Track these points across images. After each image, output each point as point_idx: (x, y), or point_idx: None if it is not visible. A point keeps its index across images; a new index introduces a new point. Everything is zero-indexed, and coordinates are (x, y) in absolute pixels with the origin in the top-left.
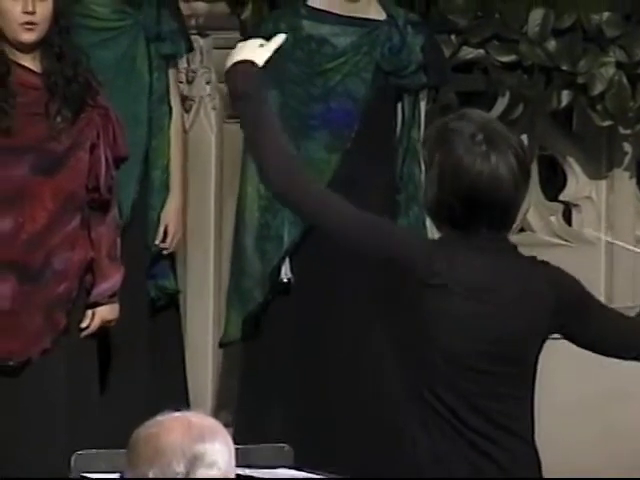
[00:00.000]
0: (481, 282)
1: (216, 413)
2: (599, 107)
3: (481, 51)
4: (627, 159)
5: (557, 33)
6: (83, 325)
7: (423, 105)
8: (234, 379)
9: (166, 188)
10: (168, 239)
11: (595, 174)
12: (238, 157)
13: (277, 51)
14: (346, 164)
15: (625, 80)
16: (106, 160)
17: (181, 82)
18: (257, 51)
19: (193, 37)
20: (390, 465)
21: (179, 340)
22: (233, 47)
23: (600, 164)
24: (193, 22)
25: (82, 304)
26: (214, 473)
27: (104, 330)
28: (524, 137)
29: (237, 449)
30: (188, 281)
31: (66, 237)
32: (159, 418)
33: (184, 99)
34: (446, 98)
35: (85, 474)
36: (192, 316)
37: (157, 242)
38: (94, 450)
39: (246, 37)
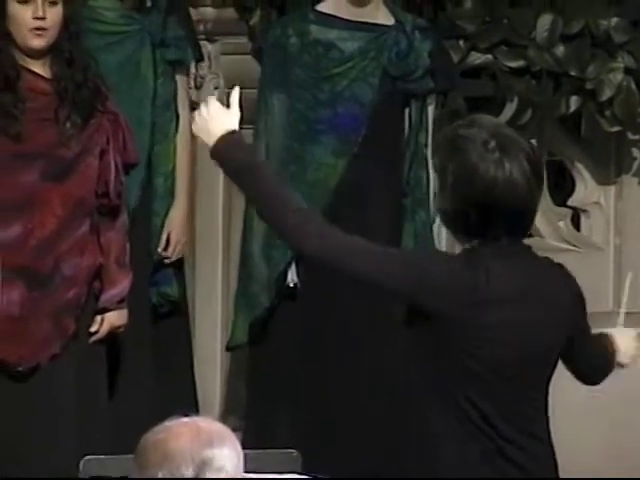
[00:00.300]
0: (514, 289)
1: (224, 418)
2: (607, 113)
3: (489, 56)
4: (636, 164)
5: (565, 38)
6: (92, 330)
7: (431, 110)
8: (242, 384)
9: (170, 195)
10: (170, 247)
11: (604, 179)
12: None
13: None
14: (353, 169)
15: (633, 86)
16: (115, 166)
17: (189, 87)
18: (224, 118)
19: (201, 43)
20: (403, 469)
21: (186, 346)
22: (241, 53)
23: (609, 169)
24: (201, 28)
25: (91, 310)
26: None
27: (113, 336)
28: (532, 142)
29: (245, 454)
30: (196, 286)
31: (75, 243)
32: (167, 423)
33: (192, 104)
34: (454, 103)
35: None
36: (200, 321)
37: (159, 250)
38: (102, 455)
39: (254, 42)
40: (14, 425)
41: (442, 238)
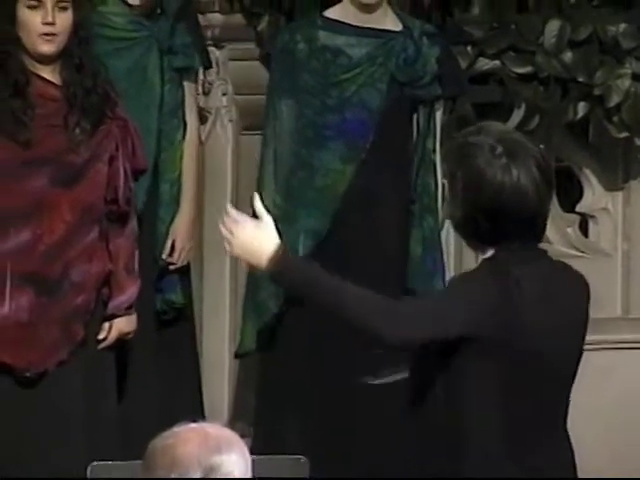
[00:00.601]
0: (541, 295)
1: (232, 424)
2: (615, 119)
3: (497, 62)
4: None
5: (573, 45)
6: (100, 337)
7: (439, 116)
8: (250, 391)
9: (176, 202)
10: (175, 254)
11: (611, 185)
12: (254, 168)
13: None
14: (361, 175)
15: None
16: (124, 172)
17: (197, 94)
18: (262, 234)
19: (209, 49)
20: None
21: (192, 352)
22: (249, 59)
23: (616, 175)
24: (209, 33)
25: (99, 316)
26: None
27: (122, 342)
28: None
29: (253, 460)
30: (204, 293)
31: (84, 249)
32: (175, 429)
33: (200, 110)
34: (462, 109)
35: None
36: (208, 328)
37: (164, 256)
38: (110, 461)
39: (262, 48)
40: (22, 430)
41: (450, 244)
